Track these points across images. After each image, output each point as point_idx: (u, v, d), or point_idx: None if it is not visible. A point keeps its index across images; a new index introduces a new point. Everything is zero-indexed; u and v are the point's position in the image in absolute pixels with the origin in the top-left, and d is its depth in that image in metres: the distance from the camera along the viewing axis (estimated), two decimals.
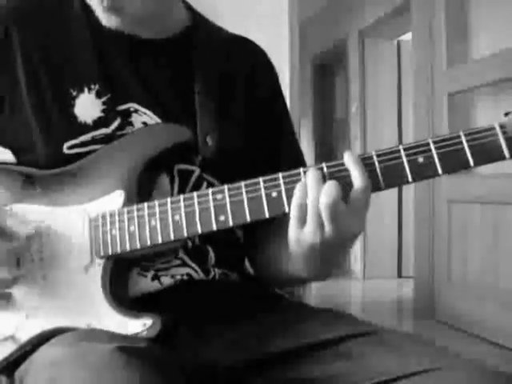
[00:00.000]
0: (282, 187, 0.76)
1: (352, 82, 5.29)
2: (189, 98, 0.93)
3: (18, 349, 0.82)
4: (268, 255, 0.95)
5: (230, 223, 0.78)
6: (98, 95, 0.89)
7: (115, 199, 0.84)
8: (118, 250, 0.82)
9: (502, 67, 2.84)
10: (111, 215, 0.83)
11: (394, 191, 4.81)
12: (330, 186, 0.73)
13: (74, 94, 0.89)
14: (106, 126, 0.88)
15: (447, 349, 0.79)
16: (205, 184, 0.91)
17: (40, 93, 0.89)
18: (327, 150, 6.04)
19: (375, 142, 4.98)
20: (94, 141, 0.88)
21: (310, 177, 0.74)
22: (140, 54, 0.94)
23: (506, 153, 0.71)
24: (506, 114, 0.71)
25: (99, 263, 0.82)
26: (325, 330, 0.85)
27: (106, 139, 0.88)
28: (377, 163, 0.74)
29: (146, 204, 0.82)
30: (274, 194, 0.76)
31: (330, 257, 0.80)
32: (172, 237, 0.80)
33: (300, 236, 0.76)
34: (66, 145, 0.88)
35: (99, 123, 0.88)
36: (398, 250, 5.15)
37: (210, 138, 0.91)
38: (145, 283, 0.86)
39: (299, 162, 1.02)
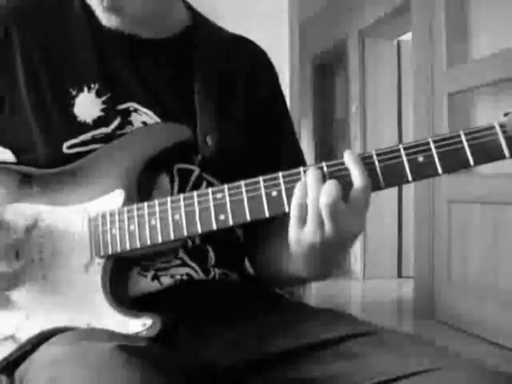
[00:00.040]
0: (282, 186, 0.76)
1: (352, 82, 5.29)
2: (189, 98, 0.93)
3: (17, 348, 0.82)
4: (268, 255, 0.95)
5: (230, 222, 0.78)
6: (98, 94, 0.89)
7: (115, 198, 0.84)
8: (118, 249, 0.82)
9: (502, 67, 2.84)
10: (111, 214, 0.83)
11: (393, 191, 4.81)
12: (330, 186, 0.73)
13: (74, 93, 0.89)
14: (106, 125, 0.88)
15: (447, 349, 0.79)
16: (204, 184, 0.91)
17: (40, 92, 0.89)
18: (327, 150, 6.04)
19: (375, 141, 4.97)
20: (93, 140, 0.88)
21: (310, 176, 0.74)
22: (140, 54, 0.94)
23: (506, 152, 0.71)
24: (506, 115, 0.71)
25: (99, 263, 0.82)
26: (325, 329, 0.85)
27: (106, 138, 0.88)
28: (377, 162, 0.74)
29: (145, 203, 0.82)
30: (274, 194, 0.76)
31: (330, 256, 0.80)
32: (172, 236, 0.80)
33: (300, 235, 0.76)
34: (65, 144, 0.88)
35: (99, 122, 0.88)
36: (398, 250, 5.15)
37: (209, 138, 0.91)
38: (145, 283, 0.86)
39: (299, 161, 1.02)
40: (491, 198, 2.96)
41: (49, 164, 0.88)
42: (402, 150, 0.73)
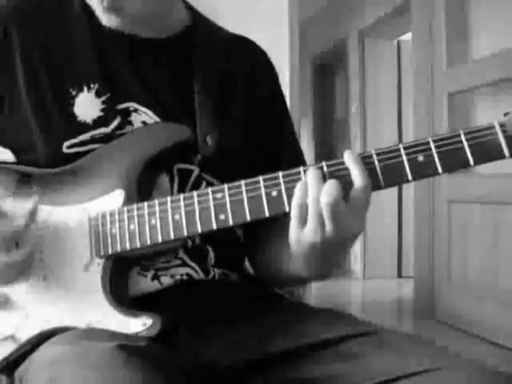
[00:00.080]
0: (282, 186, 0.76)
1: (352, 82, 5.29)
2: (188, 98, 0.93)
3: (17, 348, 0.82)
4: (268, 255, 0.95)
5: (230, 222, 0.78)
6: (98, 94, 0.89)
7: (115, 198, 0.84)
8: (118, 249, 0.82)
9: (502, 67, 2.84)
10: (111, 214, 0.83)
11: (393, 190, 4.81)
12: (331, 185, 0.73)
13: (74, 93, 0.89)
14: (106, 125, 0.88)
15: (447, 349, 0.79)
16: (204, 183, 0.91)
17: (40, 92, 0.89)
18: (327, 150, 6.04)
19: (375, 141, 4.97)
20: (93, 140, 0.88)
21: (310, 176, 0.74)
22: (140, 54, 0.94)
23: (506, 151, 0.71)
24: (506, 115, 0.71)
25: (99, 262, 0.82)
26: (325, 329, 0.85)
27: (106, 138, 0.88)
28: (377, 162, 0.74)
29: (145, 203, 0.82)
30: (274, 193, 0.76)
31: (330, 256, 0.80)
32: (172, 236, 0.80)
33: (300, 235, 0.76)
34: (65, 144, 0.88)
35: (99, 122, 0.88)
36: (398, 250, 5.15)
37: (209, 138, 0.91)
38: (145, 283, 0.86)
39: (299, 161, 1.02)
40: (491, 197, 2.96)
41: (49, 164, 0.87)
42: (402, 150, 0.73)
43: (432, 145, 0.73)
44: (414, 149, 0.73)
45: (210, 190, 0.79)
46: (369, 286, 4.92)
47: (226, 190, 0.78)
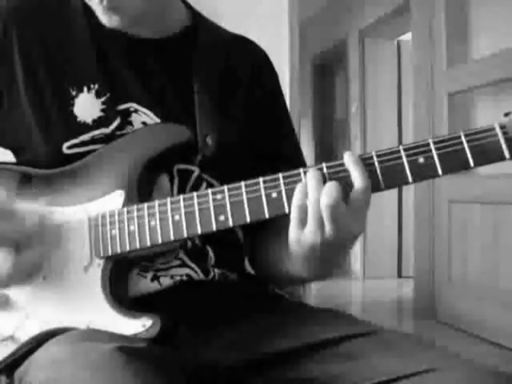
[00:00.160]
0: (282, 187, 0.76)
1: (352, 82, 5.29)
2: (188, 98, 0.93)
3: (17, 349, 0.82)
4: (268, 255, 0.95)
5: (230, 223, 0.78)
6: (98, 95, 0.89)
7: (115, 199, 0.84)
8: (118, 250, 0.82)
9: (502, 67, 2.84)
10: (111, 215, 0.83)
11: (394, 191, 4.81)
12: (331, 187, 0.73)
13: (74, 93, 0.89)
14: (106, 125, 0.88)
15: (447, 349, 0.79)
16: (204, 184, 0.91)
17: (38, 90, 0.89)
18: (327, 150, 6.04)
19: (375, 142, 4.98)
20: (93, 140, 0.88)
21: (310, 177, 0.74)
22: (140, 54, 0.94)
23: (506, 153, 0.71)
24: (506, 115, 0.71)
25: (99, 263, 0.82)
26: (325, 329, 0.85)
27: (106, 139, 0.88)
28: (377, 163, 0.74)
29: (145, 204, 0.81)
30: (274, 195, 0.76)
31: (330, 257, 0.80)
32: (172, 237, 0.80)
33: (300, 237, 0.76)
34: (65, 144, 0.88)
35: (99, 123, 0.88)
36: (398, 250, 5.15)
37: (209, 138, 0.91)
38: (144, 284, 0.86)
39: (299, 162, 1.02)
40: (491, 198, 2.96)
41: (49, 164, 0.88)
42: (402, 151, 0.73)
43: (432, 146, 0.72)
44: (415, 150, 0.73)
45: (209, 191, 0.79)
46: (369, 286, 4.92)
47: (226, 191, 0.78)
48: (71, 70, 0.90)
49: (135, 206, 0.82)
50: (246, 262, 0.98)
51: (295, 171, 0.76)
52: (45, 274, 0.84)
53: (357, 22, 5.18)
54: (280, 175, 0.77)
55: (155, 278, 0.86)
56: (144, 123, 0.90)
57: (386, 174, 0.74)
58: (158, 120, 0.90)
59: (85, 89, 0.89)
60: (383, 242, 5.08)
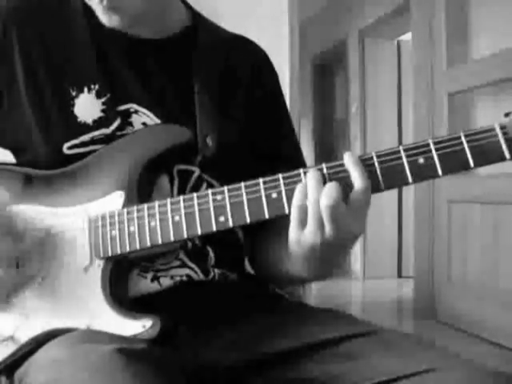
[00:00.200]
0: (282, 188, 0.76)
1: (352, 82, 5.29)
2: (189, 98, 0.93)
3: (17, 349, 0.82)
4: (268, 255, 0.95)
5: (230, 224, 0.78)
6: (98, 95, 0.89)
7: (115, 200, 0.84)
8: (118, 250, 0.82)
9: (502, 67, 2.84)
10: (111, 216, 0.83)
11: (394, 191, 4.81)
12: (331, 188, 0.73)
13: (74, 93, 0.89)
14: (106, 126, 0.88)
15: (447, 349, 0.79)
16: (204, 185, 0.91)
17: (39, 91, 0.89)
18: (327, 150, 6.03)
19: (375, 142, 4.97)
20: (93, 141, 0.88)
21: (310, 178, 0.74)
22: (140, 54, 0.94)
23: (507, 154, 0.71)
24: (507, 115, 0.71)
25: (99, 264, 0.82)
26: (325, 329, 0.85)
27: (106, 139, 0.88)
28: (377, 164, 0.74)
29: (145, 205, 0.81)
30: (274, 195, 0.76)
31: (330, 257, 0.80)
32: (172, 238, 0.80)
33: (300, 237, 0.76)
34: (66, 145, 0.88)
35: (99, 123, 0.88)
36: (398, 250, 5.15)
37: (209, 139, 0.91)
38: (144, 284, 0.86)
39: (299, 162, 1.02)
40: (491, 198, 2.96)
41: (49, 165, 0.88)
42: (402, 152, 0.73)
43: (432, 147, 0.72)
44: (415, 151, 0.73)
45: (209, 191, 0.79)
46: (369, 286, 4.92)
47: (226, 191, 0.78)
48: (71, 70, 0.91)
49: (135, 207, 0.82)
50: (246, 262, 0.98)
51: (295, 172, 0.76)
52: (45, 275, 0.84)
53: (357, 22, 5.18)
54: (280, 176, 0.77)
55: (155, 278, 0.86)
56: (144, 124, 0.90)
57: (385, 174, 0.74)
58: (158, 121, 0.90)
59: (85, 89, 0.89)
60: (383, 242, 5.08)
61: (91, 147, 0.88)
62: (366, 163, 0.74)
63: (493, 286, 2.97)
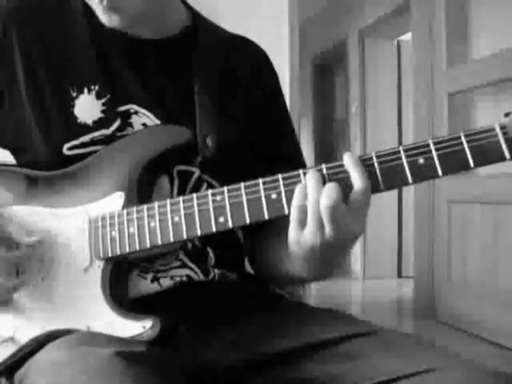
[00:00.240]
0: (282, 189, 0.76)
1: (352, 82, 5.29)
2: (188, 98, 0.93)
3: (17, 350, 0.82)
4: (268, 255, 0.95)
5: (230, 225, 0.78)
6: (98, 96, 0.89)
7: (115, 201, 0.83)
8: (118, 251, 0.82)
9: (502, 67, 2.84)
10: (111, 217, 0.83)
11: (394, 191, 4.80)
12: (331, 188, 0.73)
13: (74, 94, 0.89)
14: (106, 127, 0.88)
15: (447, 349, 0.79)
16: (205, 185, 0.91)
17: (39, 92, 0.89)
18: (327, 150, 6.03)
19: (375, 142, 4.97)
20: (93, 142, 0.88)
21: (309, 178, 0.74)
22: (140, 54, 0.94)
23: (507, 154, 0.71)
24: (507, 115, 0.71)
25: (99, 265, 0.82)
26: (325, 329, 0.85)
27: (106, 140, 0.88)
28: (376, 164, 0.74)
29: (145, 206, 0.81)
30: (274, 196, 0.76)
31: (330, 257, 0.80)
32: (171, 238, 0.80)
33: (300, 237, 0.76)
34: (66, 146, 0.88)
35: (99, 124, 0.88)
36: (398, 250, 5.14)
37: (209, 139, 0.91)
38: (144, 285, 0.86)
39: (299, 162, 1.02)
40: (491, 198, 2.96)
41: (49, 165, 0.88)
42: (402, 152, 0.73)
43: (432, 147, 0.72)
44: (414, 151, 0.73)
45: (209, 192, 0.79)
46: (369, 286, 4.92)
47: (226, 192, 0.78)
48: (71, 70, 0.90)
49: (135, 208, 0.82)
50: (246, 263, 0.98)
51: (295, 172, 0.76)
52: (45, 275, 0.84)
53: (357, 22, 5.18)
54: (279, 176, 0.76)
55: (155, 279, 0.86)
56: (144, 125, 0.90)
57: (385, 174, 0.74)
58: (157, 122, 0.90)
59: (85, 90, 0.89)
60: (383, 242, 5.08)
61: (91, 148, 0.88)
62: (365, 163, 0.74)
63: (493, 286, 2.97)
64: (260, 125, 0.99)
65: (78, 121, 0.88)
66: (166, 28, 0.97)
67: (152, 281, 0.86)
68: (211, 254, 0.91)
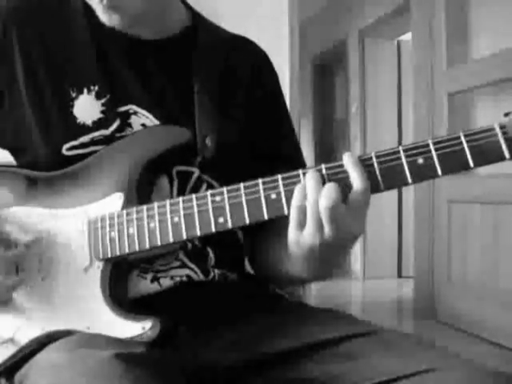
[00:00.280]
0: (281, 189, 0.76)
1: (352, 82, 5.29)
2: (188, 99, 0.93)
3: (17, 351, 0.82)
4: (268, 255, 0.95)
5: (229, 225, 0.77)
6: (98, 96, 0.89)
7: (115, 201, 0.83)
8: (117, 252, 0.81)
9: (502, 67, 2.84)
10: (110, 218, 0.82)
11: (394, 191, 4.80)
12: (330, 189, 0.73)
13: (74, 95, 0.89)
14: (106, 127, 0.88)
15: (447, 349, 0.79)
16: (204, 185, 0.91)
17: (39, 92, 0.89)
18: (327, 150, 6.03)
19: (375, 142, 4.97)
20: (93, 142, 0.88)
21: (309, 178, 0.74)
22: (140, 55, 0.94)
23: (506, 153, 0.70)
24: (506, 115, 0.71)
25: (98, 265, 0.82)
26: (325, 329, 0.85)
27: (105, 141, 0.88)
28: (376, 164, 0.74)
29: (145, 206, 0.81)
30: (273, 196, 0.76)
31: (329, 258, 0.80)
32: (171, 239, 0.80)
33: (300, 238, 0.76)
34: (65, 146, 0.87)
35: (99, 124, 0.88)
36: (398, 250, 5.14)
37: (209, 139, 0.91)
38: (144, 285, 0.86)
39: (299, 162, 1.02)
40: (491, 198, 2.96)
41: (48, 166, 0.88)
42: (402, 152, 0.73)
43: (432, 147, 0.72)
44: (414, 151, 0.73)
45: (209, 192, 0.79)
46: (369, 286, 4.92)
47: (225, 192, 0.78)
48: (71, 70, 0.90)
49: (134, 209, 0.82)
50: (246, 263, 0.98)
51: (294, 172, 0.76)
52: (44, 276, 0.84)
53: (357, 22, 5.18)
54: (279, 176, 0.76)
55: (155, 279, 0.86)
56: (143, 125, 0.90)
57: (385, 174, 0.74)
58: (157, 122, 0.90)
59: (85, 90, 0.89)
60: (383, 242, 5.08)
61: (91, 148, 0.87)
62: (365, 163, 0.74)
63: (493, 286, 2.97)
64: (260, 125, 0.99)
65: (78, 121, 0.88)
66: (166, 28, 0.97)
67: (152, 281, 0.86)
68: (211, 254, 0.91)
